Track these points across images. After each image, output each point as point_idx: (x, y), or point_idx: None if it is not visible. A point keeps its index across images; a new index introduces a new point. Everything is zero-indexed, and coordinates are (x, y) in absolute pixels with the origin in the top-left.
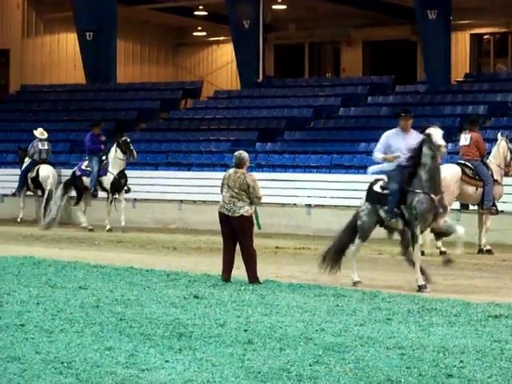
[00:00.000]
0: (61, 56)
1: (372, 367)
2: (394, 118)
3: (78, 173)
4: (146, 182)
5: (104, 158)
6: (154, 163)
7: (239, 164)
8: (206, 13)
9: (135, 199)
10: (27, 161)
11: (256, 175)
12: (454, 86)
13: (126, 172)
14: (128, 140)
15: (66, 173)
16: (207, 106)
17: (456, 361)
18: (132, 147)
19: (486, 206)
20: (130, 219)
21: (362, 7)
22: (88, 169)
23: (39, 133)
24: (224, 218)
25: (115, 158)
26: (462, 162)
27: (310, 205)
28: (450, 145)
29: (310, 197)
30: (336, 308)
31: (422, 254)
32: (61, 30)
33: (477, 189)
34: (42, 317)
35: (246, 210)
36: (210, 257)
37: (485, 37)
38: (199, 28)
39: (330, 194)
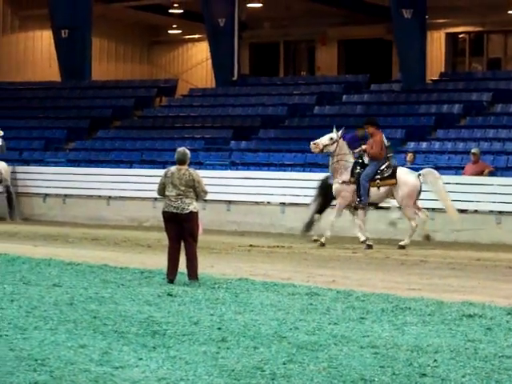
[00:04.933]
0: (36, 53)
1: (345, 366)
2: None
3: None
4: (120, 180)
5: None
6: (129, 161)
7: (183, 160)
8: (181, 11)
9: (109, 197)
10: None
11: (230, 173)
12: (429, 84)
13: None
14: None
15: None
16: (182, 104)
17: (430, 360)
18: None
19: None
20: (103, 216)
21: (337, 6)
22: None
23: None
24: (171, 217)
25: None
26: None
27: (283, 203)
28: (424, 144)
29: (284, 195)
30: (310, 306)
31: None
32: (36, 27)
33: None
34: (16, 314)
35: (194, 206)
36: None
37: (460, 36)
38: (174, 26)
39: (304, 192)
